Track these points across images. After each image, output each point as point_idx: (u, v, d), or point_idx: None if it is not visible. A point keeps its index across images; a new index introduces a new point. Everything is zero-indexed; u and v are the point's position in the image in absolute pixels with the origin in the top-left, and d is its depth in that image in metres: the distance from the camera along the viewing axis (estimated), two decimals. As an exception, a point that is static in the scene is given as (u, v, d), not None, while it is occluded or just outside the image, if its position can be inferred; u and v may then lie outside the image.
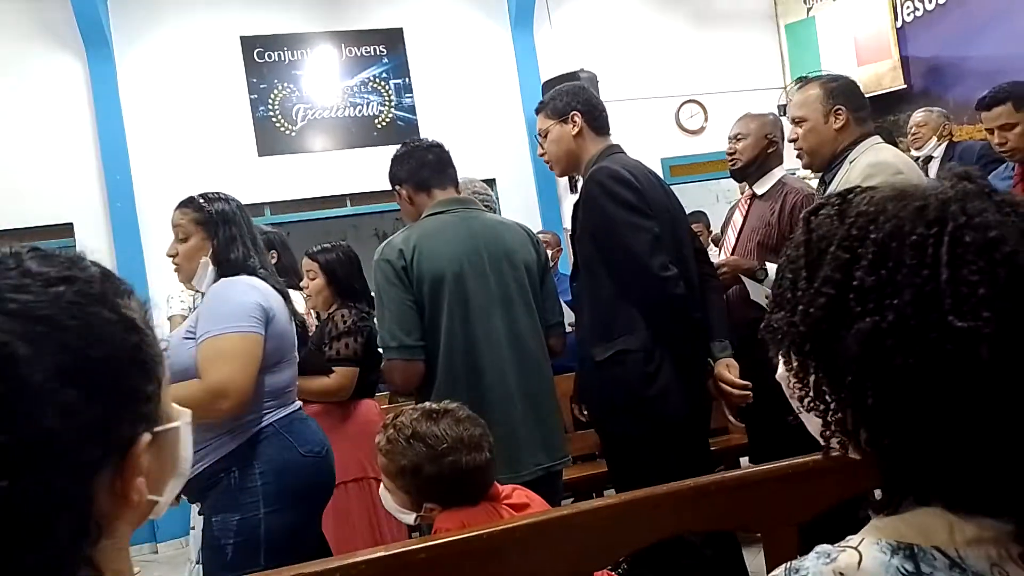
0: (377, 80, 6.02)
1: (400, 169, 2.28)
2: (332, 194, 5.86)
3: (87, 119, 5.35)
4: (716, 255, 2.97)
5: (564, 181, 6.13)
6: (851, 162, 2.28)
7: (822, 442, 0.70)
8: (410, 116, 6.03)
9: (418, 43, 6.09)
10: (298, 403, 2.06)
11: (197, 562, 2.63)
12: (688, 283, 2.16)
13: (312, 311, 3.10)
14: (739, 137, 2.81)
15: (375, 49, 6.03)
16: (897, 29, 6.05)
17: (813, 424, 0.71)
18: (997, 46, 5.25)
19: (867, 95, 2.45)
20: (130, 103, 5.43)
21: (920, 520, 0.63)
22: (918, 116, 4.57)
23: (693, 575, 2.08)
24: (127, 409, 0.53)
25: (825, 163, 2.37)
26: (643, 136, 5.80)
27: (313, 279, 2.87)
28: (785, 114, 2.62)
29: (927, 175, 3.84)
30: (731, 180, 3.40)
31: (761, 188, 2.78)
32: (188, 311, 3.98)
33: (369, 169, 5.59)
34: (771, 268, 2.56)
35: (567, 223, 4.89)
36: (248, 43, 5.75)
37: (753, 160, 2.78)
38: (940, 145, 4.43)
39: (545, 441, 2.19)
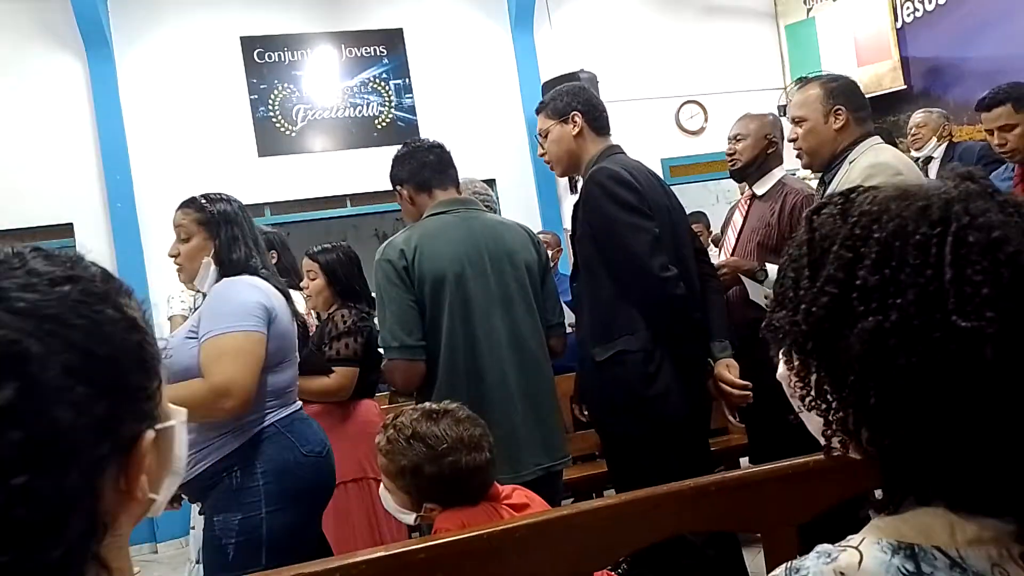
0: (377, 80, 6.02)
1: (401, 169, 2.28)
2: (332, 194, 5.86)
3: (87, 119, 5.35)
4: (716, 255, 2.97)
5: (564, 181, 6.14)
6: (851, 162, 2.28)
7: (823, 441, 0.70)
8: (410, 116, 6.03)
9: (418, 43, 6.09)
10: (299, 403, 2.07)
11: (197, 562, 2.63)
12: (688, 283, 2.16)
13: (312, 311, 3.10)
14: (739, 137, 2.81)
15: (375, 49, 6.04)
16: (897, 30, 6.05)
17: (813, 423, 0.71)
18: (997, 47, 5.25)
19: (867, 96, 2.45)
20: (130, 103, 5.43)
21: (921, 520, 0.63)
22: (918, 117, 4.57)
23: (693, 575, 2.08)
24: (131, 407, 0.54)
25: (825, 163, 2.37)
26: (643, 136, 5.80)
27: (313, 279, 2.87)
28: (785, 114, 2.62)
29: (927, 176, 3.84)
30: (731, 180, 3.40)
31: (761, 188, 2.78)
32: (188, 311, 3.98)
33: (369, 169, 5.60)
34: (771, 269, 2.56)
35: (567, 223, 4.89)
36: (248, 43, 5.75)
37: (753, 160, 2.78)
38: (940, 146, 4.43)
39: (545, 441, 2.19)
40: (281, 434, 1.92)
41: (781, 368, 0.73)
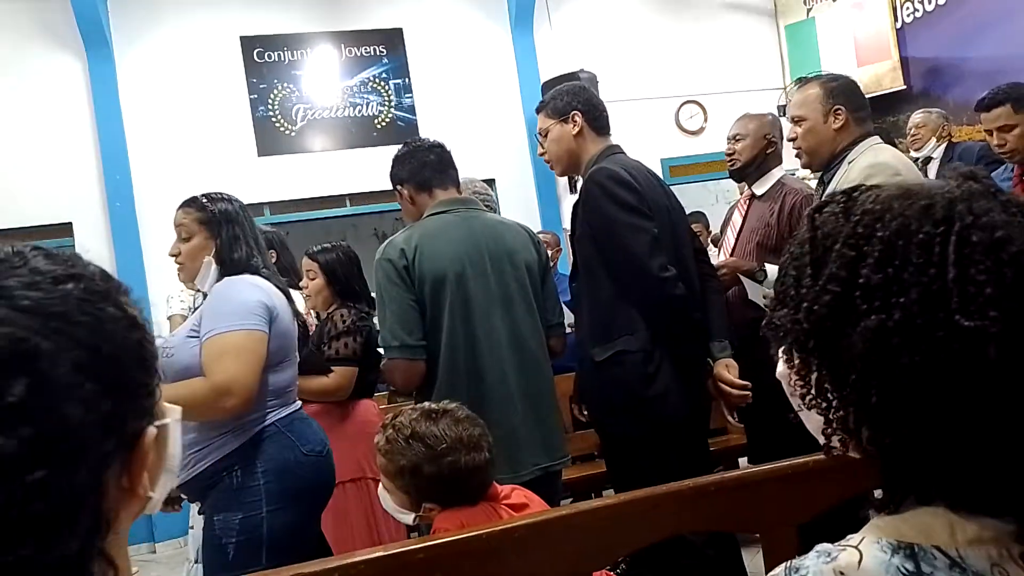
0: (377, 80, 6.02)
1: (402, 169, 2.28)
2: (331, 194, 5.86)
3: (87, 119, 5.35)
4: (715, 256, 2.97)
5: (563, 181, 6.14)
6: (850, 162, 2.27)
7: (822, 440, 0.70)
8: (410, 116, 6.03)
9: (418, 43, 6.09)
10: (299, 403, 2.07)
11: (196, 562, 2.63)
12: (688, 283, 2.16)
13: (312, 311, 3.10)
14: (738, 137, 2.81)
15: (375, 49, 6.04)
16: (897, 30, 6.05)
17: (813, 423, 0.71)
18: (996, 47, 5.25)
19: (866, 96, 2.45)
20: (130, 103, 5.42)
21: (921, 519, 0.63)
22: (917, 117, 4.57)
23: (692, 575, 2.08)
24: (134, 404, 0.54)
25: (824, 163, 2.37)
26: (643, 136, 5.80)
27: (313, 279, 2.87)
28: (785, 114, 2.62)
29: (926, 176, 3.84)
30: (730, 180, 3.40)
31: (760, 188, 2.78)
32: (188, 311, 3.98)
33: (369, 169, 5.60)
34: (770, 269, 2.56)
35: (566, 223, 4.89)
36: (248, 43, 5.75)
37: (752, 160, 2.78)
38: (939, 146, 4.43)
39: (545, 441, 2.19)
40: (282, 433, 1.92)
41: (780, 367, 0.73)
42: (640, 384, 2.10)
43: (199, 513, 1.97)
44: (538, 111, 2.38)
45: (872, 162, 2.20)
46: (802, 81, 2.46)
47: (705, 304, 2.27)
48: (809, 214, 0.71)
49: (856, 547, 0.62)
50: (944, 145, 4.43)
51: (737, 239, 2.79)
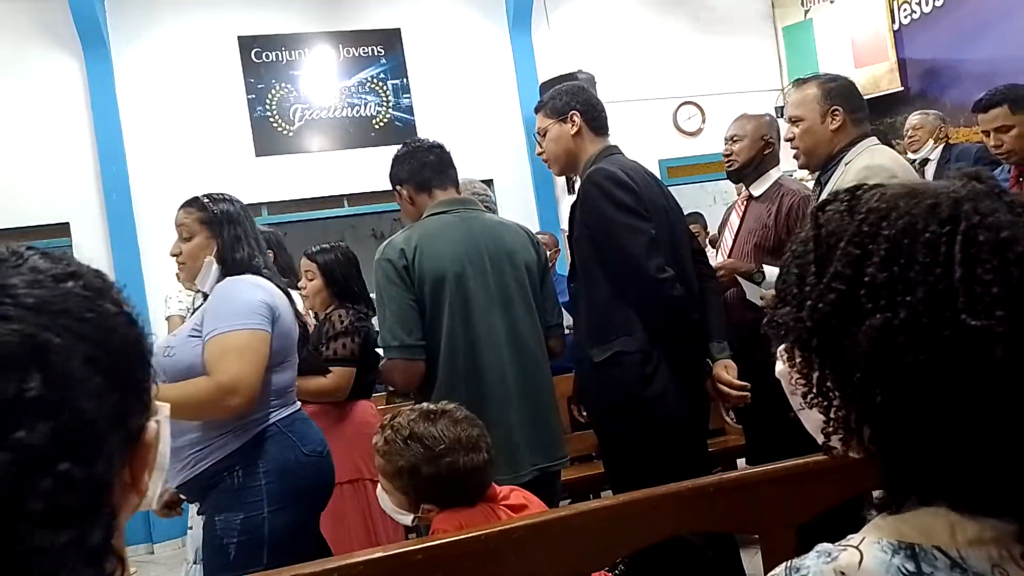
0: (375, 80, 6.02)
1: (401, 169, 2.28)
2: (329, 194, 5.86)
3: (84, 119, 5.34)
4: (713, 256, 2.97)
5: (562, 182, 6.14)
6: (847, 164, 2.28)
7: (821, 440, 0.70)
8: (408, 117, 6.03)
9: (416, 44, 6.09)
10: (298, 403, 2.07)
11: (195, 562, 2.63)
12: (686, 284, 2.16)
13: (311, 311, 3.10)
14: (735, 138, 2.81)
15: (373, 50, 6.03)
16: (894, 31, 6.06)
17: (812, 422, 0.71)
18: (994, 48, 5.26)
19: (864, 97, 2.46)
20: (127, 103, 5.42)
21: (921, 520, 0.63)
22: (914, 119, 4.58)
23: (691, 576, 2.08)
24: (137, 399, 0.55)
25: (821, 163, 2.38)
26: (641, 137, 5.80)
27: (311, 280, 2.87)
28: (783, 116, 2.62)
29: (923, 178, 3.85)
30: (728, 181, 3.41)
31: (758, 189, 2.78)
32: (186, 311, 3.97)
33: (367, 169, 5.60)
34: (768, 270, 2.56)
35: (564, 224, 4.88)
36: (245, 43, 5.75)
37: (749, 161, 2.78)
38: (936, 148, 4.44)
39: (544, 442, 2.19)
40: (283, 434, 1.92)
41: (780, 365, 0.73)
42: (638, 385, 2.10)
43: (198, 513, 1.97)
44: (537, 111, 2.38)
45: (868, 164, 2.20)
46: (800, 82, 2.47)
47: (703, 305, 2.27)
48: (813, 212, 0.71)
49: (857, 547, 0.62)
50: (941, 147, 4.44)
51: (735, 240, 2.80)
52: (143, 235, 5.28)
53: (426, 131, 5.67)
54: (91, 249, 5.08)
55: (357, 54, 6.00)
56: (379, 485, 1.66)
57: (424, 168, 2.25)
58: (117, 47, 5.45)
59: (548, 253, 3.50)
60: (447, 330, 2.11)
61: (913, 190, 0.65)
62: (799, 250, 0.70)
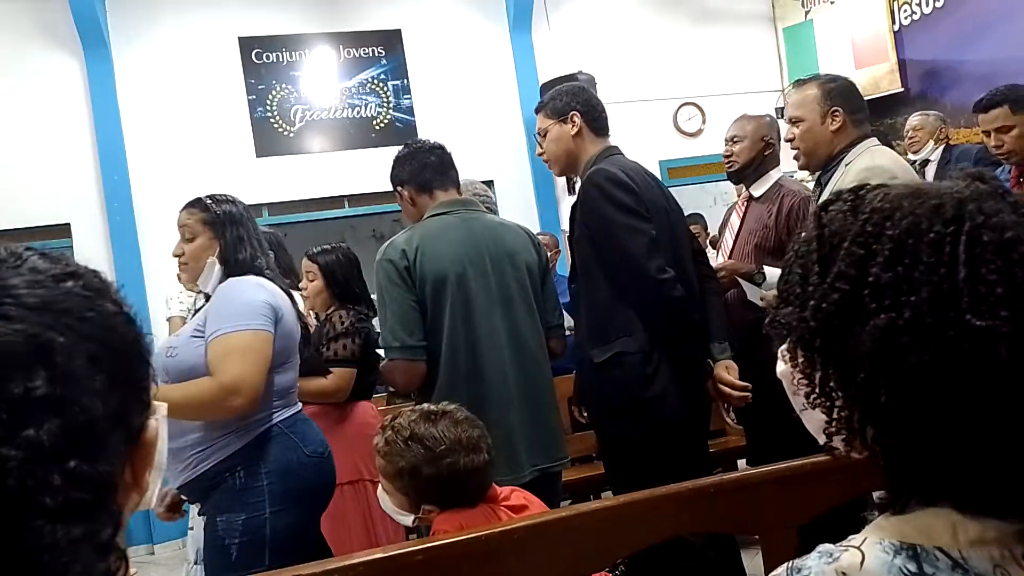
0: (375, 81, 6.02)
1: (402, 170, 2.29)
2: (330, 195, 5.86)
3: (84, 119, 5.34)
4: (714, 257, 2.97)
5: (562, 183, 6.14)
6: (847, 164, 2.28)
7: (822, 440, 0.70)
8: (408, 118, 6.03)
9: (416, 45, 6.09)
10: (300, 404, 2.07)
11: (196, 563, 2.63)
12: (687, 285, 2.17)
13: (311, 312, 3.10)
14: (736, 139, 2.81)
15: (373, 50, 6.04)
16: (894, 32, 6.06)
17: (814, 423, 0.70)
18: (994, 49, 5.26)
19: (864, 98, 2.46)
20: (128, 103, 5.42)
21: (923, 520, 0.63)
22: (915, 120, 4.58)
23: (691, 577, 2.08)
24: (137, 398, 0.55)
25: (821, 164, 2.38)
26: (641, 138, 5.80)
27: (312, 280, 2.87)
28: (783, 116, 2.62)
29: (923, 179, 3.85)
30: (728, 182, 3.41)
31: (758, 190, 2.78)
32: (187, 312, 3.97)
33: (367, 170, 5.60)
34: (768, 271, 2.56)
35: (565, 225, 4.89)
36: (246, 44, 5.75)
37: (750, 162, 2.78)
38: (937, 149, 4.44)
39: (544, 442, 2.19)
40: (284, 434, 1.93)
41: (781, 365, 0.73)
42: (639, 385, 2.10)
43: (199, 514, 1.97)
44: (537, 111, 2.38)
45: (868, 165, 2.20)
46: (800, 82, 2.47)
47: (704, 305, 2.27)
48: (816, 212, 0.71)
49: (858, 548, 0.62)
50: (942, 147, 4.44)
51: (735, 241, 2.80)
52: (144, 236, 5.28)
53: (427, 132, 5.67)
54: (92, 250, 5.08)
55: (358, 55, 6.00)
56: (380, 486, 1.66)
57: (425, 169, 2.26)
58: (117, 47, 5.45)
59: (548, 254, 3.50)
60: (448, 331, 2.11)
61: (917, 190, 0.65)
62: (802, 250, 0.70)
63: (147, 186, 5.36)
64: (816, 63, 6.35)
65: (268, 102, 5.75)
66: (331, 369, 2.68)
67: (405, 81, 6.06)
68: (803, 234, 0.71)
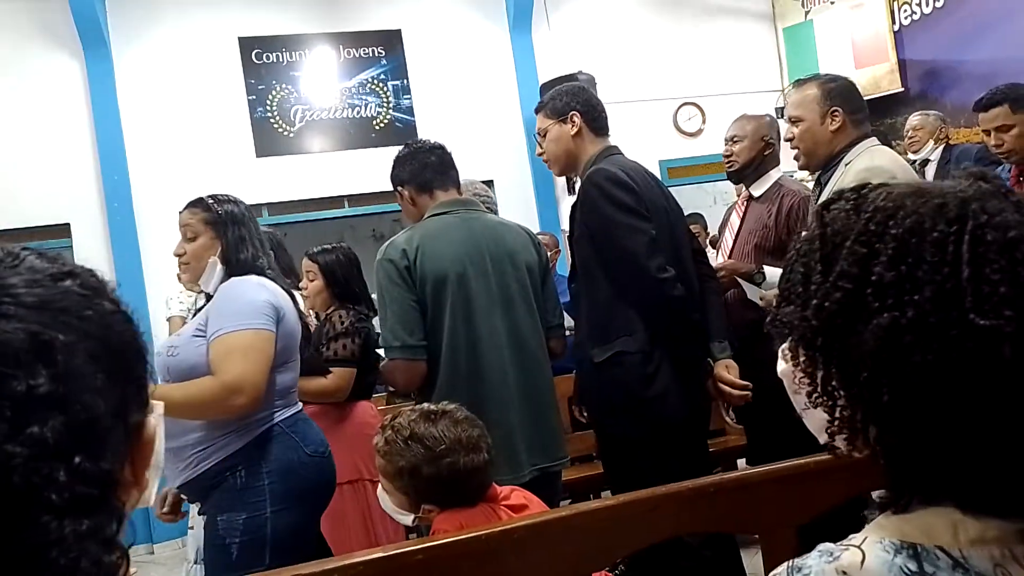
0: (375, 81, 6.02)
1: (402, 170, 2.29)
2: (330, 195, 5.86)
3: (84, 119, 5.34)
4: (713, 257, 2.97)
5: (562, 182, 6.14)
6: (847, 164, 2.28)
7: (823, 439, 0.70)
8: (408, 118, 6.03)
9: (416, 45, 6.09)
10: (300, 404, 2.07)
11: (195, 562, 2.63)
12: (687, 284, 2.17)
13: (311, 311, 3.11)
14: (735, 139, 2.81)
15: (373, 51, 6.03)
16: (895, 32, 6.07)
17: (815, 422, 0.70)
18: (994, 49, 5.26)
19: (864, 98, 2.45)
20: (128, 103, 5.42)
21: (924, 519, 0.63)
22: (915, 119, 4.58)
23: (691, 577, 2.08)
24: (136, 396, 0.56)
25: (821, 164, 2.37)
26: (641, 138, 5.80)
27: (312, 280, 2.87)
28: (783, 116, 2.62)
29: (923, 179, 3.85)
30: (728, 182, 3.41)
31: (758, 190, 2.78)
32: (187, 312, 3.97)
33: (367, 170, 5.60)
34: (768, 271, 2.56)
35: (565, 224, 4.89)
36: (246, 44, 5.75)
37: (750, 162, 2.78)
38: (937, 148, 4.44)
39: (544, 442, 2.19)
40: (285, 434, 1.93)
41: (782, 364, 0.73)
42: (639, 385, 2.10)
43: (199, 513, 1.97)
44: (537, 111, 2.38)
45: (868, 165, 2.20)
46: (800, 82, 2.47)
47: (704, 305, 2.27)
48: (818, 210, 0.71)
49: (859, 547, 0.62)
50: (942, 147, 4.44)
51: (735, 240, 2.80)
52: (143, 236, 5.28)
53: (426, 132, 5.67)
54: (91, 250, 5.08)
55: (357, 55, 6.00)
56: (380, 485, 1.66)
57: (425, 169, 2.26)
58: (117, 47, 5.45)
59: (548, 254, 3.50)
60: (448, 331, 2.11)
61: (920, 189, 0.65)
62: (804, 248, 0.70)
63: (147, 186, 5.36)
64: (816, 63, 6.35)
65: (268, 102, 5.75)
66: (331, 369, 2.68)
67: (405, 81, 6.06)
68: (805, 233, 0.71)
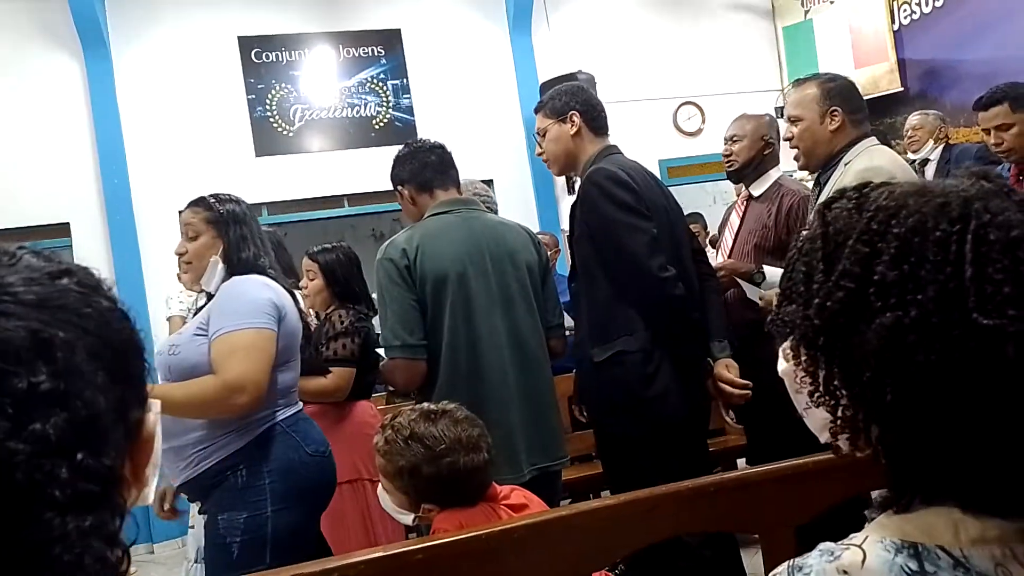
0: (375, 81, 6.02)
1: (403, 170, 2.29)
2: (329, 194, 5.86)
3: (84, 119, 5.34)
4: (713, 257, 2.98)
5: (562, 182, 6.14)
6: (846, 164, 2.28)
7: (824, 438, 0.70)
8: (408, 117, 6.03)
9: (416, 44, 6.09)
10: (300, 403, 2.07)
11: (195, 561, 2.63)
12: (687, 283, 2.17)
13: (311, 310, 3.11)
14: (735, 139, 2.81)
15: (373, 50, 6.03)
16: (894, 31, 6.07)
17: (817, 421, 0.70)
18: (994, 49, 5.26)
19: (864, 97, 2.45)
20: (127, 103, 5.42)
21: (925, 519, 0.63)
22: (914, 119, 4.58)
23: (690, 576, 2.08)
24: (135, 393, 0.56)
25: (820, 164, 2.37)
26: (641, 138, 5.80)
27: (313, 279, 2.87)
28: (783, 116, 2.62)
29: (923, 178, 3.85)
30: (728, 182, 3.41)
31: (758, 190, 2.78)
32: (187, 312, 3.97)
33: (366, 170, 5.60)
34: (768, 271, 2.57)
35: (564, 224, 4.89)
36: (246, 43, 5.74)
37: (749, 161, 2.78)
38: (936, 148, 4.44)
39: (544, 441, 2.19)
40: (286, 433, 1.93)
41: (783, 364, 0.73)
42: (640, 384, 2.10)
43: (200, 512, 1.97)
44: (536, 111, 2.38)
45: (868, 165, 2.19)
46: (800, 82, 2.47)
47: (704, 304, 2.27)
48: (820, 209, 0.71)
49: (860, 546, 0.62)
50: (941, 147, 4.44)
51: (735, 240, 2.80)
52: (143, 235, 5.27)
53: (426, 131, 5.67)
54: (91, 249, 5.08)
55: (357, 54, 6.00)
56: (380, 485, 1.66)
57: (425, 168, 2.26)
58: (117, 47, 5.45)
59: (548, 253, 3.50)
60: (449, 330, 2.12)
61: (922, 188, 0.65)
62: (806, 247, 0.70)
63: (147, 186, 5.36)
64: (816, 62, 6.35)
65: (268, 101, 5.75)
66: (330, 368, 2.68)
67: (405, 81, 6.06)
68: (806, 231, 0.71)
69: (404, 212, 2.37)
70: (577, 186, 2.29)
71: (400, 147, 2.36)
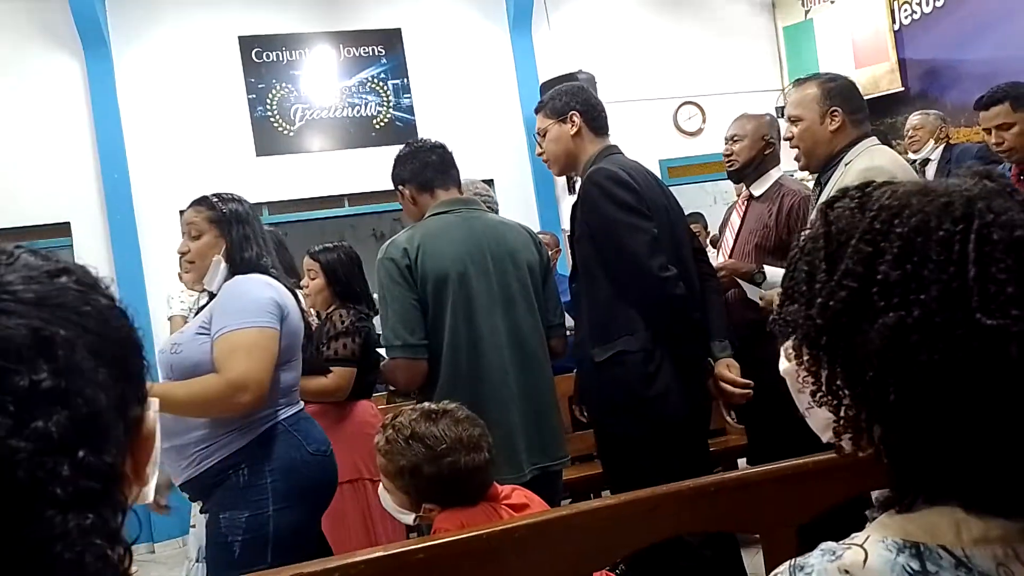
0: (375, 80, 6.02)
1: (403, 169, 2.29)
2: (330, 194, 5.86)
3: (85, 118, 5.34)
4: (714, 257, 2.97)
5: (562, 182, 6.14)
6: (847, 164, 2.28)
7: (826, 438, 0.70)
8: (408, 117, 6.03)
9: (416, 44, 6.09)
10: (302, 402, 2.08)
11: (196, 560, 2.63)
12: (688, 283, 2.17)
13: (312, 310, 3.11)
14: (736, 138, 2.81)
15: (373, 50, 6.03)
16: (895, 31, 6.06)
17: (819, 421, 0.70)
18: (994, 49, 5.26)
19: (864, 97, 2.45)
20: (128, 103, 5.42)
21: (927, 519, 0.63)
22: (915, 119, 4.58)
23: (691, 576, 2.08)
24: (135, 390, 0.56)
25: (820, 164, 2.37)
26: (641, 137, 5.79)
27: (314, 279, 2.88)
28: (783, 115, 2.63)
29: (924, 178, 3.85)
30: (729, 181, 3.41)
31: (758, 189, 2.78)
32: (188, 311, 3.97)
33: (367, 169, 5.60)
34: (769, 271, 2.57)
35: (565, 224, 4.89)
36: (246, 43, 5.75)
37: (750, 161, 2.78)
38: (937, 148, 4.44)
39: (545, 442, 2.20)
40: (288, 432, 1.93)
41: (785, 363, 0.73)
42: (641, 384, 2.10)
43: (201, 512, 1.97)
44: (537, 111, 2.38)
45: (868, 165, 2.19)
46: (800, 81, 2.47)
47: (705, 304, 2.27)
48: (822, 208, 0.70)
49: (861, 546, 0.62)
50: (942, 147, 4.44)
51: (735, 240, 2.80)
52: (144, 235, 5.27)
53: (427, 131, 5.67)
54: (92, 249, 5.08)
55: (357, 54, 6.00)
56: (381, 484, 1.66)
57: (426, 168, 2.26)
58: (117, 47, 5.45)
59: (549, 253, 3.50)
60: (449, 330, 2.12)
61: (925, 188, 0.65)
62: (808, 246, 0.70)
63: (147, 185, 5.36)
64: (816, 62, 6.35)
65: (268, 101, 5.75)
66: (331, 368, 2.68)
67: (405, 80, 6.06)
68: (808, 231, 0.71)
69: (405, 212, 2.37)
70: (578, 186, 2.29)
71: (401, 147, 2.36)
